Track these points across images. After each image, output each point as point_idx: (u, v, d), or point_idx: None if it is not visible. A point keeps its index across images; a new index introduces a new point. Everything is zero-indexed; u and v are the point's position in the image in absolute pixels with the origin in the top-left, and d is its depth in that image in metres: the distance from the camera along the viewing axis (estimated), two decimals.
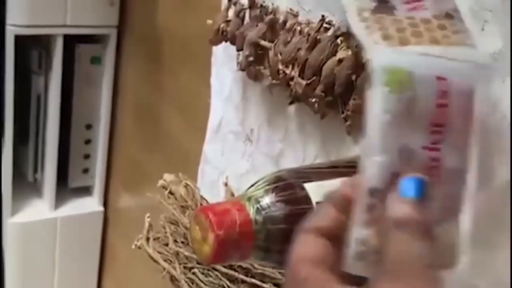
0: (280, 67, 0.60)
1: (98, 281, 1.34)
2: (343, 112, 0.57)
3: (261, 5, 0.67)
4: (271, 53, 0.62)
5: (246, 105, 0.75)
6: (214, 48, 0.79)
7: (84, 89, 1.20)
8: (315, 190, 0.48)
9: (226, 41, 0.70)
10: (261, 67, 0.66)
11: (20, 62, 1.11)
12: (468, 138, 0.35)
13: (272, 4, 0.66)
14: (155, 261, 0.71)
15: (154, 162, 1.09)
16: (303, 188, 0.48)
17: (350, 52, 0.55)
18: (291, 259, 0.37)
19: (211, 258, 0.48)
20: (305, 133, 0.66)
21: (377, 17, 0.37)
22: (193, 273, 0.68)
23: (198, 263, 0.68)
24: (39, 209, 1.25)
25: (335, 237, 0.37)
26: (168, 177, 0.76)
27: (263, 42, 0.64)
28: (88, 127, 1.24)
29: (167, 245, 0.72)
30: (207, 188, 0.81)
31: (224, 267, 0.66)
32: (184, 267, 0.69)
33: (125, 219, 1.25)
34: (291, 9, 0.63)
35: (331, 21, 0.59)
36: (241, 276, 0.65)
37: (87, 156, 1.26)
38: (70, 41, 1.14)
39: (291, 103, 0.64)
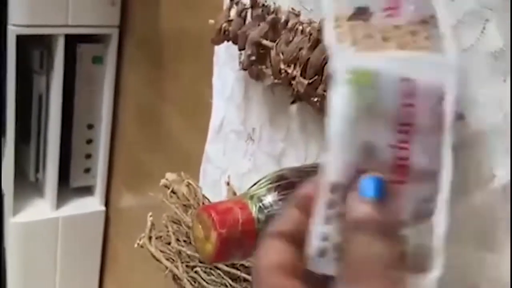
0: (282, 66, 0.61)
1: (100, 281, 1.34)
2: None
3: (263, 5, 0.67)
4: (273, 52, 0.62)
5: (248, 104, 0.75)
6: (216, 47, 0.79)
7: (86, 89, 1.20)
8: None
9: (228, 41, 0.70)
10: (263, 67, 0.66)
11: (22, 61, 1.11)
12: (440, 139, 0.34)
13: (274, 3, 0.66)
14: (158, 260, 0.71)
15: (156, 161, 1.09)
16: None
17: None
18: (256, 266, 0.37)
19: (214, 256, 0.49)
20: (307, 132, 0.66)
21: (350, 24, 0.37)
22: (196, 272, 0.68)
23: (201, 262, 0.68)
24: (41, 209, 1.25)
25: (299, 240, 0.36)
26: (170, 176, 0.76)
27: (265, 42, 0.64)
28: (90, 126, 1.24)
29: (169, 244, 0.72)
30: (209, 187, 0.81)
31: (227, 265, 0.66)
32: (187, 266, 0.69)
33: (126, 219, 1.25)
34: (293, 9, 0.63)
35: None
36: (244, 275, 0.65)
37: (88, 156, 1.25)
38: (72, 41, 1.14)
39: (293, 102, 0.64)
